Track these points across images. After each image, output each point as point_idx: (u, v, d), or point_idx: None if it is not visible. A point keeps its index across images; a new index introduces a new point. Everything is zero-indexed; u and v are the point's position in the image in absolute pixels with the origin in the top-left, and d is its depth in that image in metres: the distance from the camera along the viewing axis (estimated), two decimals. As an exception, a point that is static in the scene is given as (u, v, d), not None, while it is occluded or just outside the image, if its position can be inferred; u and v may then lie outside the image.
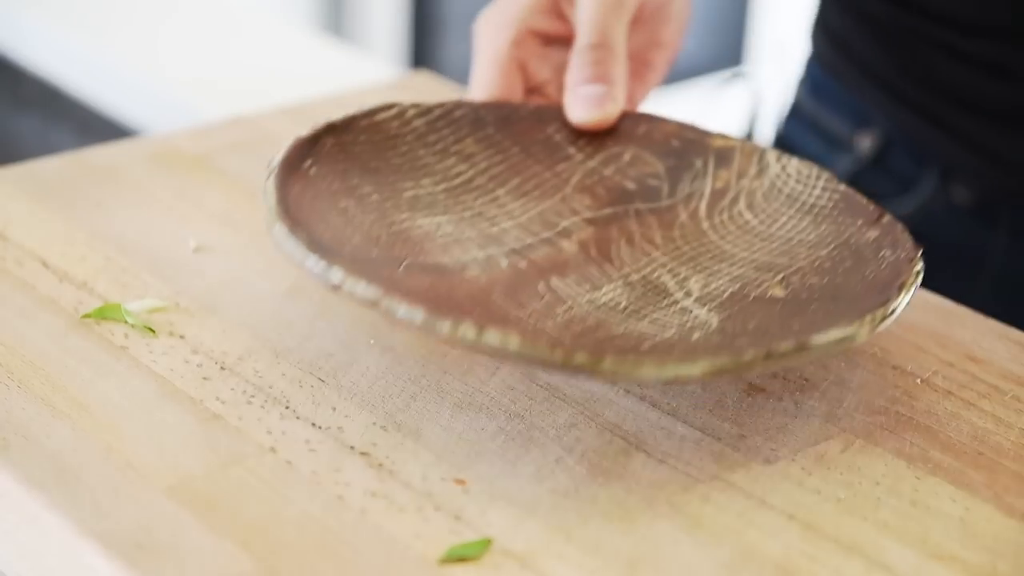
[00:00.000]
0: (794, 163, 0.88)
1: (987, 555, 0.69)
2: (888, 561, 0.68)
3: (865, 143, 1.18)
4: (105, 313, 0.83)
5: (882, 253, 0.80)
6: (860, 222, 0.84)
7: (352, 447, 0.73)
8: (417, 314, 0.66)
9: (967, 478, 0.73)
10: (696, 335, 0.75)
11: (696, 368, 0.67)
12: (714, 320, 0.77)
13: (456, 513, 0.69)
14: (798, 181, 0.88)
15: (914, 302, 0.89)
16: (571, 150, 0.88)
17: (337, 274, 0.68)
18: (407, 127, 0.84)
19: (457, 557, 0.66)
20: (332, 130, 0.80)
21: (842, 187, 0.87)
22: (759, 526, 0.69)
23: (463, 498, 0.70)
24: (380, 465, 0.72)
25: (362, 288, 0.67)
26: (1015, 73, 1.07)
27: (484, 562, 0.66)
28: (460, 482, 0.71)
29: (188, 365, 0.79)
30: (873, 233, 0.82)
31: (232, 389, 0.77)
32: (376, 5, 2.80)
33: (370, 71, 1.40)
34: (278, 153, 0.76)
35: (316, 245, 0.71)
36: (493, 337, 0.66)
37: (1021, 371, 0.83)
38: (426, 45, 2.86)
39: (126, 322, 0.82)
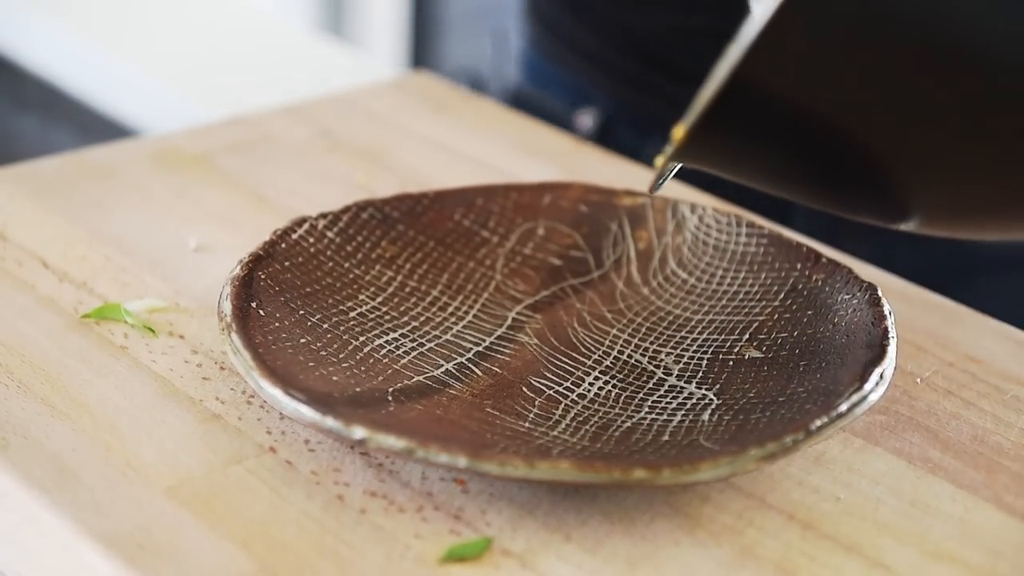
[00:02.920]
0: (710, 211, 0.89)
1: (987, 555, 0.69)
2: (888, 561, 0.68)
3: (587, 121, 1.22)
4: (105, 313, 0.83)
5: (840, 297, 0.81)
6: (800, 265, 0.85)
7: (352, 447, 0.73)
8: (460, 460, 0.67)
9: (967, 478, 0.73)
10: (706, 416, 0.75)
11: (749, 461, 0.68)
12: (711, 396, 0.78)
13: (456, 513, 0.69)
14: (719, 231, 0.88)
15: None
16: (484, 233, 0.90)
17: (359, 431, 0.69)
18: (323, 241, 0.85)
19: (457, 557, 0.66)
20: (259, 262, 0.81)
21: (766, 230, 0.87)
22: (759, 526, 0.69)
23: (463, 498, 0.70)
24: (380, 465, 0.72)
25: (392, 441, 0.68)
26: (702, 30, 1.10)
27: (484, 562, 0.66)
28: (460, 482, 0.71)
29: (188, 365, 0.79)
30: (819, 276, 0.83)
31: (232, 389, 0.77)
32: (376, 5, 2.79)
33: (370, 71, 1.40)
34: (224, 301, 0.77)
35: (316, 399, 0.71)
36: (544, 471, 0.67)
37: (1021, 371, 0.83)
38: (426, 45, 2.87)
39: (126, 322, 0.82)
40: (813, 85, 0.62)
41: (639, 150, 1.17)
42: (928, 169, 0.65)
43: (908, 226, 0.68)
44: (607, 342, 0.83)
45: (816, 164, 0.66)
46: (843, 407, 0.71)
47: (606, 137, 1.22)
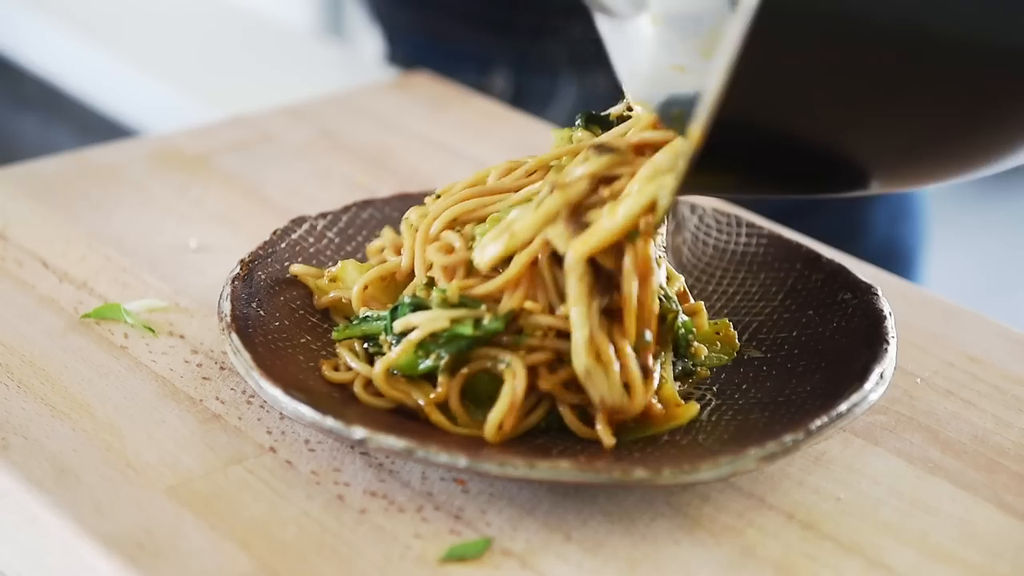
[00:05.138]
0: (709, 212, 0.89)
1: (987, 555, 0.69)
2: (888, 561, 0.68)
3: (499, 84, 1.27)
4: (105, 313, 0.83)
5: (840, 296, 0.81)
6: (799, 265, 0.84)
7: (352, 447, 0.73)
8: (459, 460, 0.67)
9: (967, 478, 0.73)
10: (706, 416, 0.75)
11: (749, 461, 0.68)
12: (711, 396, 0.77)
13: (456, 513, 0.69)
14: (719, 231, 0.88)
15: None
16: None
17: (359, 431, 0.68)
18: (322, 241, 0.85)
19: (457, 557, 0.66)
20: (259, 262, 0.81)
21: (765, 230, 0.87)
22: (759, 526, 0.69)
23: (463, 498, 0.70)
24: (380, 465, 0.72)
25: (392, 441, 0.68)
26: None
27: (484, 562, 0.66)
28: (460, 482, 0.71)
29: (188, 365, 0.79)
30: (819, 276, 0.83)
31: (232, 389, 0.77)
32: (376, 5, 2.79)
33: (370, 71, 1.40)
34: (224, 301, 0.77)
35: (314, 399, 0.71)
36: (544, 471, 0.67)
37: (1021, 371, 0.83)
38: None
39: (126, 322, 0.82)
40: (790, 100, 0.63)
41: (552, 95, 1.24)
42: (892, 136, 0.66)
43: (873, 189, 0.70)
44: None
45: (799, 164, 0.67)
46: (843, 407, 0.71)
47: (520, 93, 1.27)
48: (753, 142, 0.64)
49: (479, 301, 0.72)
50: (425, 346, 0.71)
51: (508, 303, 0.71)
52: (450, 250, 0.75)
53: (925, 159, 0.68)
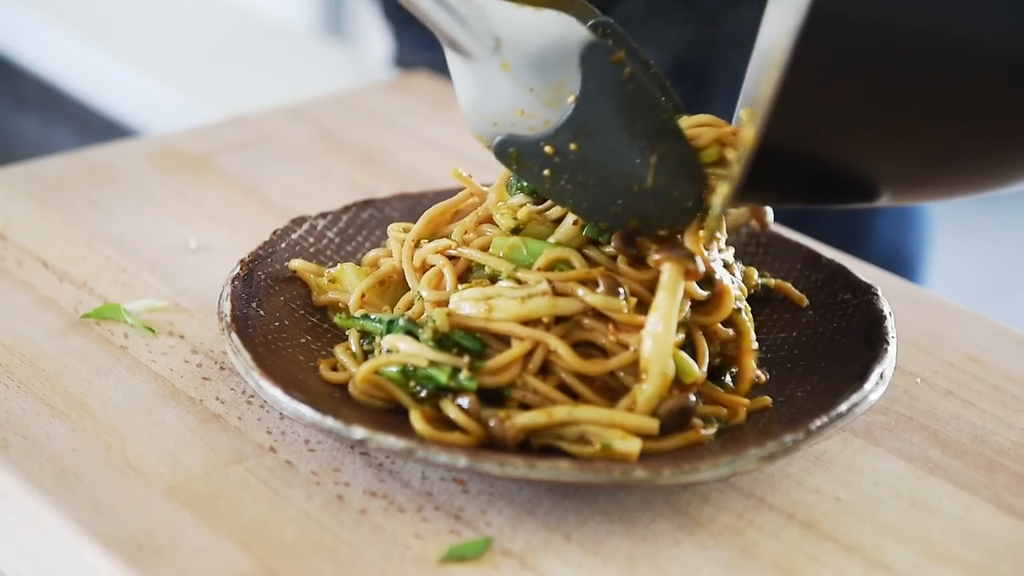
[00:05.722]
0: None
1: (987, 555, 0.69)
2: (888, 561, 0.68)
3: None
4: (105, 313, 0.83)
5: (840, 297, 0.81)
6: (799, 265, 0.84)
7: (352, 447, 0.73)
8: (459, 460, 0.67)
9: (967, 478, 0.73)
10: None
11: (749, 461, 0.68)
12: None
13: (456, 513, 0.69)
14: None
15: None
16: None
17: (359, 431, 0.68)
18: (322, 241, 0.85)
19: (457, 557, 0.66)
20: (259, 262, 0.81)
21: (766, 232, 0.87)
22: (759, 526, 0.69)
23: (463, 498, 0.70)
24: (380, 465, 0.72)
25: (392, 441, 0.68)
26: None
27: (484, 562, 0.66)
28: (460, 482, 0.71)
29: (188, 365, 0.79)
30: (819, 276, 0.83)
31: (232, 389, 0.77)
32: (376, 5, 2.79)
33: (370, 71, 1.40)
34: (224, 301, 0.77)
35: (314, 399, 0.71)
36: (544, 471, 0.67)
37: (1021, 371, 0.83)
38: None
39: (126, 322, 0.82)
40: (828, 126, 0.64)
41: None
42: (915, 151, 0.67)
43: (883, 201, 0.71)
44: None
45: (844, 174, 0.68)
46: (843, 407, 0.71)
47: None
48: (804, 150, 0.65)
49: (472, 335, 0.72)
50: (404, 369, 0.72)
51: (493, 380, 0.72)
52: (438, 284, 0.76)
53: (963, 172, 0.69)
